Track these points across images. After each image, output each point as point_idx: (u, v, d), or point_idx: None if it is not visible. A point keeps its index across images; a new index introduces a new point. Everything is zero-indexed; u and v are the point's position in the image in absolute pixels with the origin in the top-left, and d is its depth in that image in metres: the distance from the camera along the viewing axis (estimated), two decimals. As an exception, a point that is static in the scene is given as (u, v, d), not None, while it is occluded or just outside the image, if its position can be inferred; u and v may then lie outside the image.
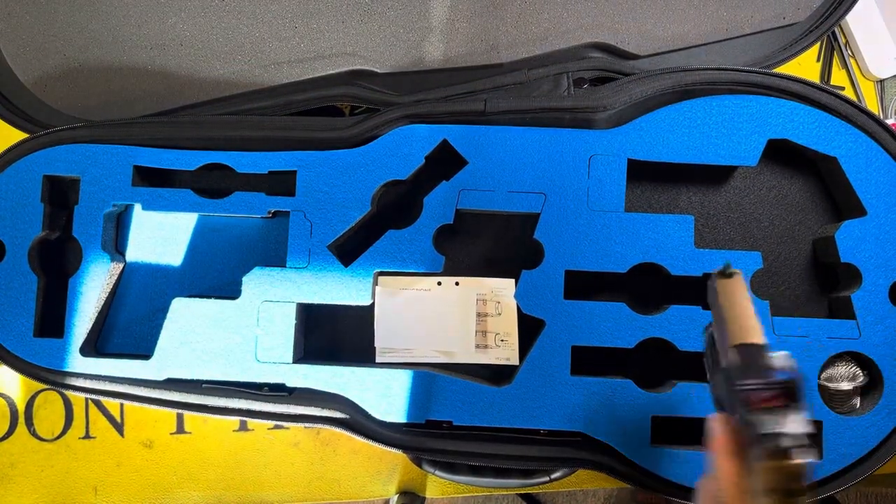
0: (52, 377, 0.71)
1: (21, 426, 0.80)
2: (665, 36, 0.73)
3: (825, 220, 0.75)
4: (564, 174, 0.69)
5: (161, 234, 0.77)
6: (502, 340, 0.74)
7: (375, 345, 0.74)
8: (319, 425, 0.70)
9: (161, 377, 0.70)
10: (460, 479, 0.73)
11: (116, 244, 0.76)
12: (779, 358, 0.47)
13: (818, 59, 0.84)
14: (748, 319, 0.50)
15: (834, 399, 0.68)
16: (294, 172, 0.71)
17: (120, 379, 0.71)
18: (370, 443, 0.69)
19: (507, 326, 0.74)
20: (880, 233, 0.67)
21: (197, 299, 0.71)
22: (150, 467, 0.80)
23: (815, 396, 0.67)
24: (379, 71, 0.74)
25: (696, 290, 0.73)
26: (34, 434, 0.80)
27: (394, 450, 0.69)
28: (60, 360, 0.71)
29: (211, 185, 0.77)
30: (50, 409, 0.80)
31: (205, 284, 0.77)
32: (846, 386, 0.68)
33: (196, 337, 0.70)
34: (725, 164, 0.69)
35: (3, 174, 0.71)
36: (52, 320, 0.72)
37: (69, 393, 0.77)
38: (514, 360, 0.73)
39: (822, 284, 0.74)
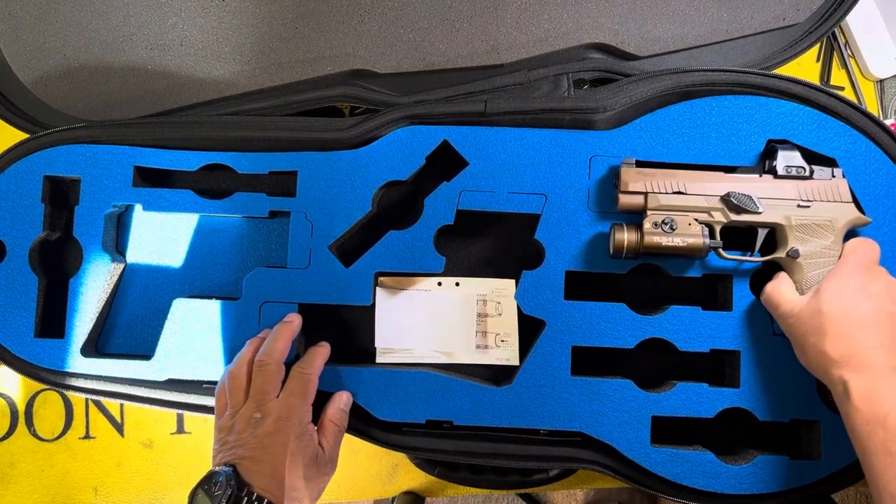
0: (52, 377, 0.71)
1: (21, 426, 0.80)
2: (665, 37, 0.73)
3: (824, 221, 0.75)
4: (565, 175, 0.69)
5: (162, 235, 0.77)
6: (503, 341, 0.74)
7: (376, 345, 0.74)
8: (320, 425, 0.70)
9: (162, 377, 0.70)
10: (460, 480, 0.73)
11: (117, 244, 0.76)
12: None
13: (818, 60, 0.84)
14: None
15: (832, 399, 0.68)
16: (295, 173, 0.71)
17: (120, 379, 0.71)
18: (370, 443, 0.69)
19: (508, 327, 0.74)
20: (878, 233, 0.67)
21: (198, 300, 0.71)
22: (150, 467, 0.80)
23: (813, 396, 0.68)
24: (379, 71, 0.74)
25: (697, 291, 0.73)
26: (34, 434, 0.80)
27: (394, 450, 0.69)
28: (61, 360, 0.71)
29: (212, 185, 0.77)
30: (50, 409, 0.80)
31: (205, 285, 0.77)
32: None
33: (197, 337, 0.70)
34: (725, 165, 0.69)
35: (4, 174, 0.71)
36: (53, 321, 0.72)
37: (69, 393, 0.77)
38: (515, 361, 0.74)
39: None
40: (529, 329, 0.72)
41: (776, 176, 0.66)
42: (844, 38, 0.84)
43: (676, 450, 0.68)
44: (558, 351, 0.69)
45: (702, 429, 0.73)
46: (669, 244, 0.65)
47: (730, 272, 0.69)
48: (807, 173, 0.66)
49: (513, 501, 1.48)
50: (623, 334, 0.69)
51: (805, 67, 0.83)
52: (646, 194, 0.66)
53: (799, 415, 0.68)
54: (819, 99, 0.69)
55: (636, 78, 0.71)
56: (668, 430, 0.69)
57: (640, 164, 0.68)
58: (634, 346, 0.69)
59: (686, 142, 0.69)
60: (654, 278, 0.71)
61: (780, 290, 0.65)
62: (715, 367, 0.72)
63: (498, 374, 0.75)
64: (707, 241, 0.65)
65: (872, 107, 0.83)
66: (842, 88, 0.84)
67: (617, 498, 1.41)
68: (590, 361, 0.70)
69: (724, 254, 0.66)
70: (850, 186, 0.66)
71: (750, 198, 0.65)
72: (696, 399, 0.68)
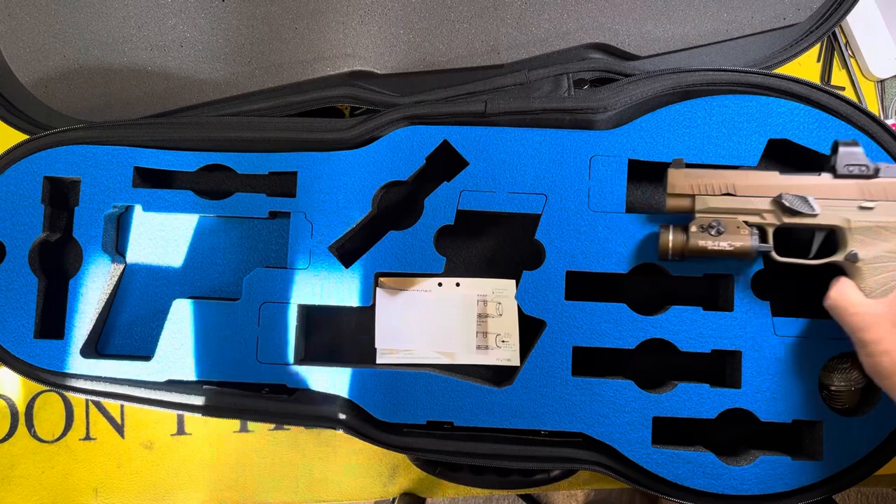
0: (52, 379, 0.71)
1: (21, 427, 0.80)
2: (665, 37, 0.73)
3: (825, 221, 0.75)
4: (565, 175, 0.69)
5: (162, 236, 0.77)
6: (503, 341, 0.74)
7: (376, 346, 0.74)
8: (320, 426, 0.70)
9: (162, 378, 0.70)
10: (461, 480, 0.73)
11: (117, 245, 0.76)
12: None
13: (818, 60, 0.84)
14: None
15: (834, 399, 0.68)
16: (295, 173, 0.71)
17: (120, 380, 0.71)
18: (371, 444, 0.69)
19: (508, 327, 0.74)
20: (880, 233, 0.67)
21: (198, 300, 0.71)
22: (150, 468, 0.80)
23: (815, 396, 0.68)
24: (379, 72, 0.74)
25: (698, 291, 0.73)
26: (34, 435, 0.80)
27: (394, 451, 0.69)
28: (61, 361, 0.71)
29: (211, 186, 0.77)
30: (50, 410, 0.80)
31: (205, 286, 0.77)
32: (846, 386, 0.68)
33: (197, 338, 0.70)
34: (726, 165, 0.69)
35: (4, 175, 0.71)
36: (53, 322, 0.72)
37: (70, 394, 0.77)
38: (515, 361, 0.73)
39: (823, 285, 0.74)
40: (530, 329, 0.72)
41: (836, 175, 0.62)
42: (845, 37, 0.84)
43: (677, 450, 0.68)
44: (559, 351, 0.69)
45: (703, 429, 0.73)
46: (715, 248, 0.63)
47: (731, 272, 0.69)
48: (871, 171, 0.62)
49: (514, 502, 1.48)
50: (624, 334, 0.69)
51: (805, 67, 0.83)
52: (693, 196, 0.64)
53: (801, 415, 0.68)
54: (820, 98, 0.69)
55: (636, 78, 0.71)
56: (669, 431, 0.69)
57: (640, 164, 0.68)
58: (635, 347, 0.69)
59: (686, 141, 0.69)
60: (654, 278, 0.71)
61: (847, 296, 0.61)
62: (716, 368, 0.72)
63: (498, 375, 0.75)
64: (755, 244, 0.63)
65: (873, 107, 0.83)
66: (842, 88, 0.84)
67: (618, 498, 1.41)
68: (590, 362, 0.70)
69: (777, 256, 0.64)
70: None
71: (804, 199, 0.62)
72: (697, 400, 0.68)
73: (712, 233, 0.63)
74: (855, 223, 0.61)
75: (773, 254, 0.64)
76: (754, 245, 0.63)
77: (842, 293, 0.61)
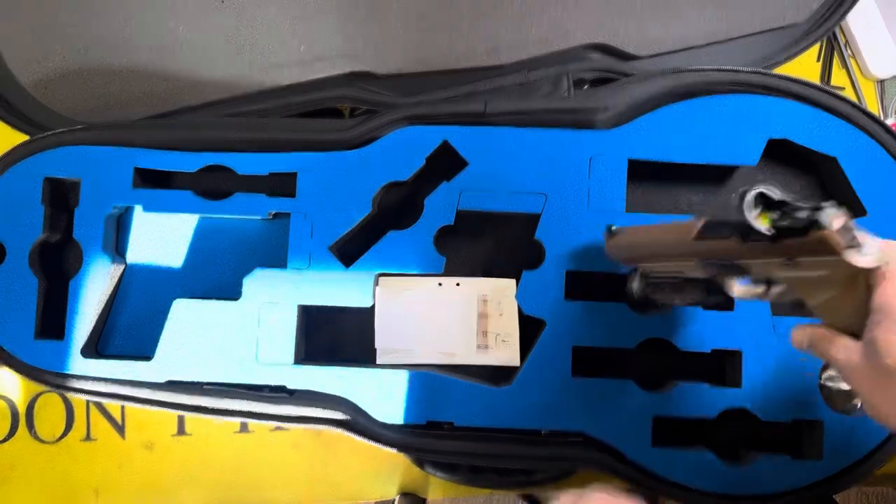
0: (52, 379, 0.71)
1: (22, 428, 0.80)
2: (665, 37, 0.73)
3: (825, 220, 0.75)
4: (565, 175, 0.69)
5: (162, 236, 0.77)
6: (503, 341, 0.74)
7: (376, 346, 0.74)
8: (320, 427, 0.70)
9: (162, 379, 0.70)
10: (461, 480, 0.73)
11: (117, 246, 0.76)
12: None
13: (818, 59, 0.84)
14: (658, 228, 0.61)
15: (834, 399, 0.68)
16: (295, 174, 0.71)
17: (121, 381, 0.71)
18: (371, 444, 0.69)
19: (508, 327, 0.74)
20: (880, 233, 0.67)
21: (198, 301, 0.71)
22: (151, 469, 0.80)
23: (815, 396, 0.68)
24: (379, 72, 0.74)
25: (697, 291, 0.73)
26: (35, 436, 0.80)
27: (395, 451, 0.69)
28: (61, 362, 0.71)
29: (211, 186, 0.77)
30: (51, 410, 0.80)
31: (206, 286, 0.77)
32: (846, 386, 0.68)
33: (197, 339, 0.70)
34: (726, 164, 0.69)
35: (4, 176, 0.71)
36: (53, 322, 0.72)
37: (70, 395, 0.77)
38: (515, 361, 0.73)
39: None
40: (530, 329, 0.72)
41: (744, 239, 0.50)
42: (844, 37, 0.83)
43: (678, 450, 0.68)
44: (559, 351, 0.69)
45: (703, 429, 0.73)
46: (672, 302, 0.64)
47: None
48: (768, 235, 0.47)
49: (514, 502, 1.48)
50: (624, 334, 0.69)
51: (805, 67, 0.83)
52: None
53: (801, 415, 0.68)
54: (819, 98, 0.69)
55: (636, 78, 0.71)
56: (669, 431, 0.69)
57: (640, 164, 0.68)
58: (635, 347, 0.69)
59: (686, 141, 0.69)
60: (654, 278, 0.71)
61: (833, 341, 0.49)
62: (716, 367, 0.72)
63: (498, 375, 0.75)
64: (704, 298, 0.59)
65: (873, 106, 0.83)
66: (842, 88, 0.83)
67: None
68: (590, 362, 0.70)
69: (737, 293, 0.53)
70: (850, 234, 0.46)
71: (731, 265, 0.52)
72: (697, 399, 0.68)
73: (664, 290, 0.62)
74: (784, 278, 0.50)
75: (735, 286, 0.53)
76: (703, 299, 0.59)
77: (831, 343, 0.49)
